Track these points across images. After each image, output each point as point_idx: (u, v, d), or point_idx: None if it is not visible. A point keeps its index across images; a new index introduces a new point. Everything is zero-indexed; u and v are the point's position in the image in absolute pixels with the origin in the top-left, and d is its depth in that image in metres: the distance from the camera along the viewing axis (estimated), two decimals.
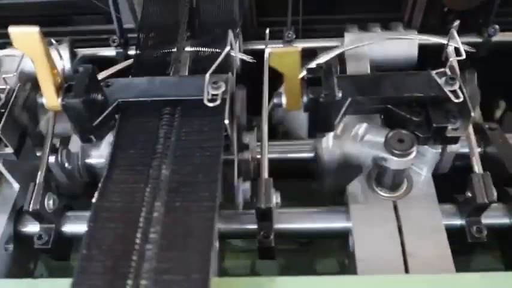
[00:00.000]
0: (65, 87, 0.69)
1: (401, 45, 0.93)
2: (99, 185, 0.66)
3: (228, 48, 0.70)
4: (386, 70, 0.91)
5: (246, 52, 0.98)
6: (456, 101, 0.69)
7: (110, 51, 1.04)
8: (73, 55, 1.02)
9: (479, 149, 0.90)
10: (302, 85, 0.66)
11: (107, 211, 0.63)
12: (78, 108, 0.68)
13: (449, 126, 0.72)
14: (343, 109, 0.69)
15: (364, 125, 0.77)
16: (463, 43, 1.00)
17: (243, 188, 0.74)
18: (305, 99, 0.66)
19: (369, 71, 0.91)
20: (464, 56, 0.71)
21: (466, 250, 0.80)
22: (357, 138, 0.78)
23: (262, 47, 0.94)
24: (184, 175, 0.65)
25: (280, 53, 0.58)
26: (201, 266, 0.56)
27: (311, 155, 0.86)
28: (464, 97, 0.70)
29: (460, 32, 1.02)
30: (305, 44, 1.01)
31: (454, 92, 0.70)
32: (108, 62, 1.00)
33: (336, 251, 0.96)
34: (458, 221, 0.78)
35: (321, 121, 0.69)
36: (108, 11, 1.00)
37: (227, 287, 0.63)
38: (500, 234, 0.82)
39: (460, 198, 0.78)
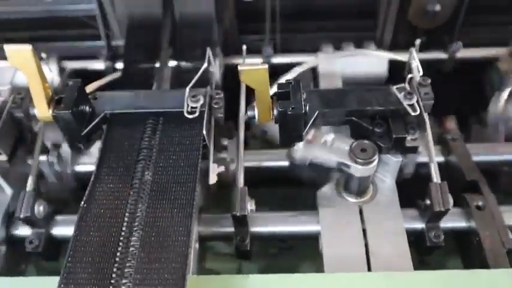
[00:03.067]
0: (55, 99, 0.75)
1: (372, 63, 0.99)
2: (77, 217, 0.69)
3: (205, 65, 0.76)
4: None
5: (227, 66, 1.04)
6: (413, 114, 0.76)
7: (99, 65, 1.10)
8: (62, 69, 1.07)
9: (442, 158, 0.97)
10: (273, 99, 0.73)
11: (84, 245, 0.66)
12: (68, 119, 0.73)
13: (409, 137, 0.78)
14: (311, 121, 0.76)
15: (332, 135, 0.83)
16: (429, 59, 1.07)
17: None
18: (275, 112, 0.73)
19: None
20: (421, 73, 0.78)
21: (428, 252, 0.87)
22: (326, 145, 0.84)
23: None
24: (160, 209, 0.68)
25: (249, 70, 0.64)
26: None
27: (285, 163, 0.92)
28: (420, 110, 0.77)
29: (428, 49, 1.10)
30: (282, 59, 1.07)
31: (411, 105, 0.77)
32: (97, 74, 1.06)
33: (315, 255, 1.02)
34: (419, 225, 0.84)
35: (291, 132, 0.75)
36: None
37: (205, 285, 0.69)
38: (458, 237, 0.89)
39: (421, 204, 0.84)
